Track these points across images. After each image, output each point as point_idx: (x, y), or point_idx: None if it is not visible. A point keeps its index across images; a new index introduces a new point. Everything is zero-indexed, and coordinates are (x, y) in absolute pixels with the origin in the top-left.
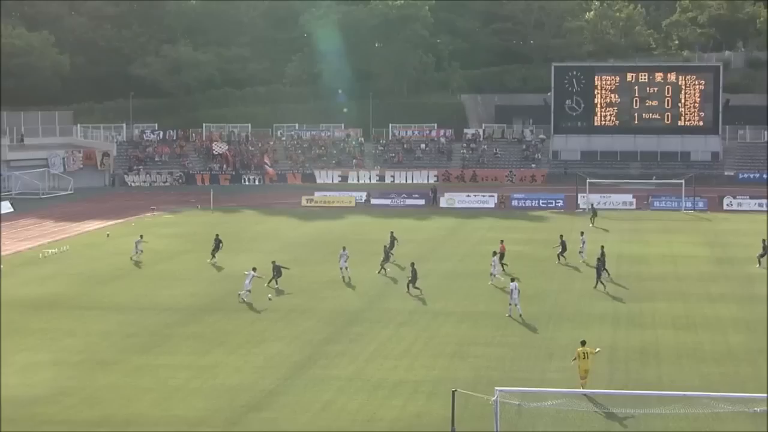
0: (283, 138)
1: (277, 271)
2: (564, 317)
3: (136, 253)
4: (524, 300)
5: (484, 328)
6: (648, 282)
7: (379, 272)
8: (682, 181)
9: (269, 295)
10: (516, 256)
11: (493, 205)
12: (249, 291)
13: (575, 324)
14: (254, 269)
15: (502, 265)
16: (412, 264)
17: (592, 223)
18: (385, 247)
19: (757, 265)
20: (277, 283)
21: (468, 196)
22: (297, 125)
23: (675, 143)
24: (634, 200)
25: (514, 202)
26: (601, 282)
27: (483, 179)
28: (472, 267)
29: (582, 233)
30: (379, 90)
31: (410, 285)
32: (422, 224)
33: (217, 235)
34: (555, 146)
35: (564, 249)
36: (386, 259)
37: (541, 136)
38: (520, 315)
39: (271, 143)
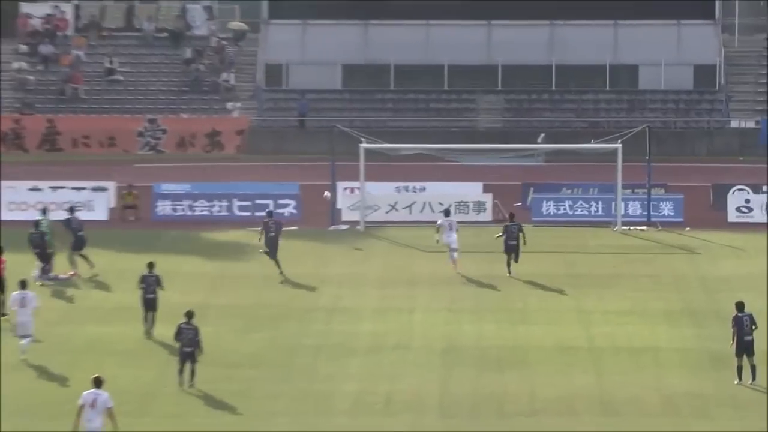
0: None
1: None
2: None
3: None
4: None
5: None
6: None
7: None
8: (618, 144)
9: None
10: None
11: (106, 218)
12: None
13: None
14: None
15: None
16: None
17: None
18: None
19: (507, 274)
20: None
21: None
22: None
23: (599, 44)
24: (488, 199)
25: (158, 208)
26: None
27: (57, 144)
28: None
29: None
30: None
31: None
32: None
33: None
34: (271, 52)
35: None
36: None
37: (236, 24)
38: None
39: None
